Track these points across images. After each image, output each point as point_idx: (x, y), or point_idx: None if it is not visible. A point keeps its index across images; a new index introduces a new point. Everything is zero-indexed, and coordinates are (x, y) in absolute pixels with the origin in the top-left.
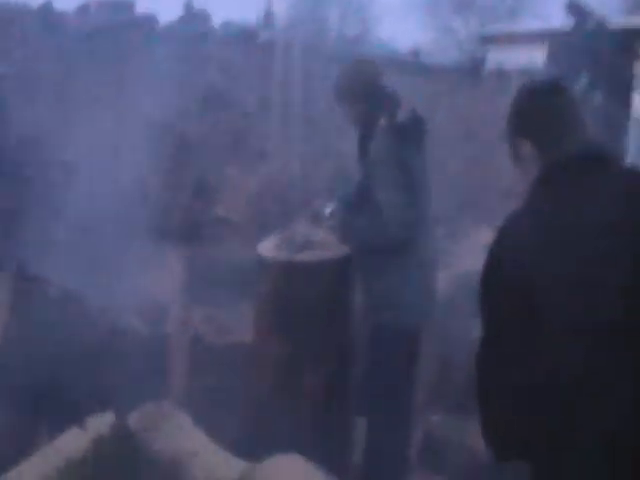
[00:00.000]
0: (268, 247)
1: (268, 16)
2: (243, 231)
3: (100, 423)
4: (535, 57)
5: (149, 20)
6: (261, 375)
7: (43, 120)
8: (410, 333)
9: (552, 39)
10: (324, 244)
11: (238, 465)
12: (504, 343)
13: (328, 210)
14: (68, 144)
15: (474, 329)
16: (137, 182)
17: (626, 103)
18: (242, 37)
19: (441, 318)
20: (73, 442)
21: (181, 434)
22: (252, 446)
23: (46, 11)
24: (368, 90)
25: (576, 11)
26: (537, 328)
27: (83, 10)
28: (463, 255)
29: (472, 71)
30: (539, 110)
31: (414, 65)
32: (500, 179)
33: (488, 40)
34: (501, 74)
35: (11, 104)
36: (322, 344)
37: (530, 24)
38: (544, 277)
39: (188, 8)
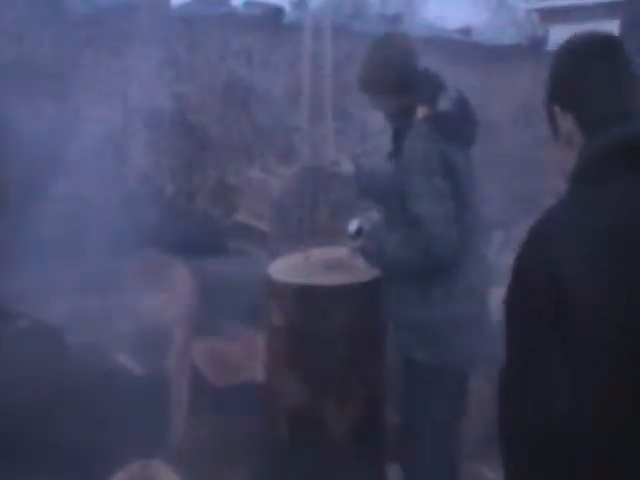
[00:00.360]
0: (281, 268)
1: None
2: (267, 241)
3: None
4: None
5: (161, 1)
6: (276, 422)
7: (39, 113)
8: (453, 376)
9: (626, 11)
10: (348, 265)
11: None
12: (532, 367)
13: (353, 227)
14: (64, 140)
15: None
16: (143, 184)
17: None
18: (267, 18)
19: (493, 348)
20: None
21: None
22: None
23: None
24: (400, 72)
25: None
26: (571, 355)
27: None
28: None
29: (532, 51)
30: (583, 73)
31: (464, 45)
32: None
33: (550, 16)
34: None
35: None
36: (347, 385)
37: None
38: (578, 296)
39: None
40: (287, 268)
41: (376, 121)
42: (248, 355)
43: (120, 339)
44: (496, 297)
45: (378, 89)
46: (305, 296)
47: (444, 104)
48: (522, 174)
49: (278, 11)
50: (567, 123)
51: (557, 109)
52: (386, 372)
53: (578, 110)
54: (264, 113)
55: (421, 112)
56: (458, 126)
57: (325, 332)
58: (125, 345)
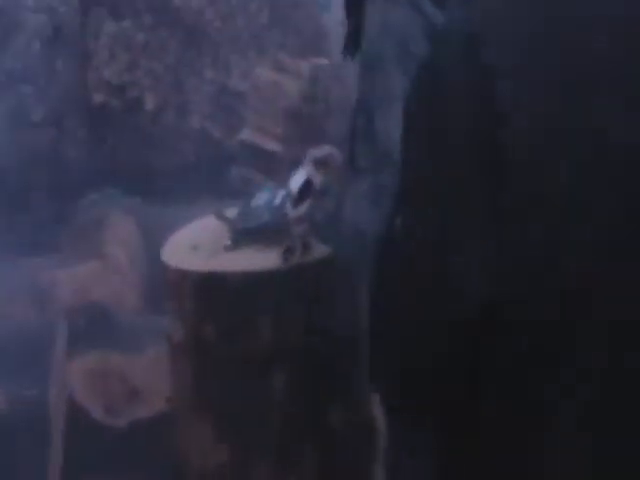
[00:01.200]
0: (183, 243)
1: None
2: (280, 168)
3: None
4: None
5: None
6: None
7: None
8: None
9: None
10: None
11: None
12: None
13: (298, 183)
14: None
15: None
16: (110, 96)
17: None
18: None
19: None
20: None
21: None
22: None
23: None
24: None
25: None
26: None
27: None
28: None
29: None
30: None
31: None
32: None
33: None
34: None
35: None
36: (287, 441)
37: None
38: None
39: None
40: (193, 242)
41: None
42: (157, 376)
43: None
44: None
45: None
46: (211, 291)
47: None
48: None
49: None
50: None
51: None
52: (356, 421)
53: None
54: None
55: None
56: None
57: (248, 353)
58: None
